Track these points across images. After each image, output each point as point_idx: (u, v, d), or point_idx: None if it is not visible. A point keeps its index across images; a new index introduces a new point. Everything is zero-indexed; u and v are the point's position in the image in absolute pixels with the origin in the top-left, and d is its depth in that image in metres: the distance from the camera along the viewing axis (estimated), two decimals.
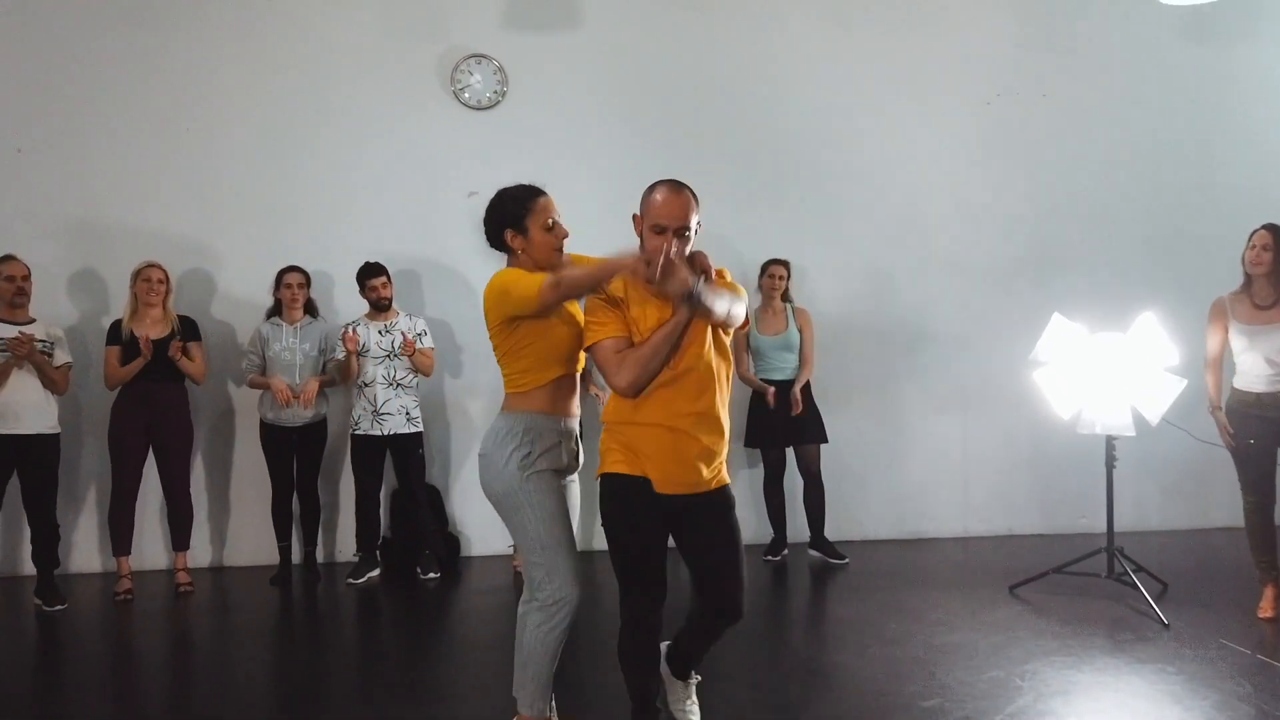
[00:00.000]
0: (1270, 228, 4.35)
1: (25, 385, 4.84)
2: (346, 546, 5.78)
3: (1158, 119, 6.33)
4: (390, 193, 5.86)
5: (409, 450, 5.45)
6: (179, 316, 5.26)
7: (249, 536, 5.74)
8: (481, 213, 2.92)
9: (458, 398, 5.95)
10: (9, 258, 4.94)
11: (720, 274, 2.79)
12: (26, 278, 4.95)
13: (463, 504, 5.92)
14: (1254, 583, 4.49)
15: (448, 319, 5.90)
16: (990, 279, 6.23)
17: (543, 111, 5.93)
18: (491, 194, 2.92)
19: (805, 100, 6.13)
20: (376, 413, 5.35)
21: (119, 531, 5.17)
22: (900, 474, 6.21)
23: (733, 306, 2.74)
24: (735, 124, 6.09)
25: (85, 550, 5.64)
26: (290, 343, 5.37)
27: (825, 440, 5.64)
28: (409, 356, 5.29)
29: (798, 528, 5.79)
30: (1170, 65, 6.33)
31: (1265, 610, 4.38)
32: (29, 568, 5.11)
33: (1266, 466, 4.36)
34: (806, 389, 5.59)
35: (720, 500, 2.85)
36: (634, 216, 2.81)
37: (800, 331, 5.64)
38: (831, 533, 5.70)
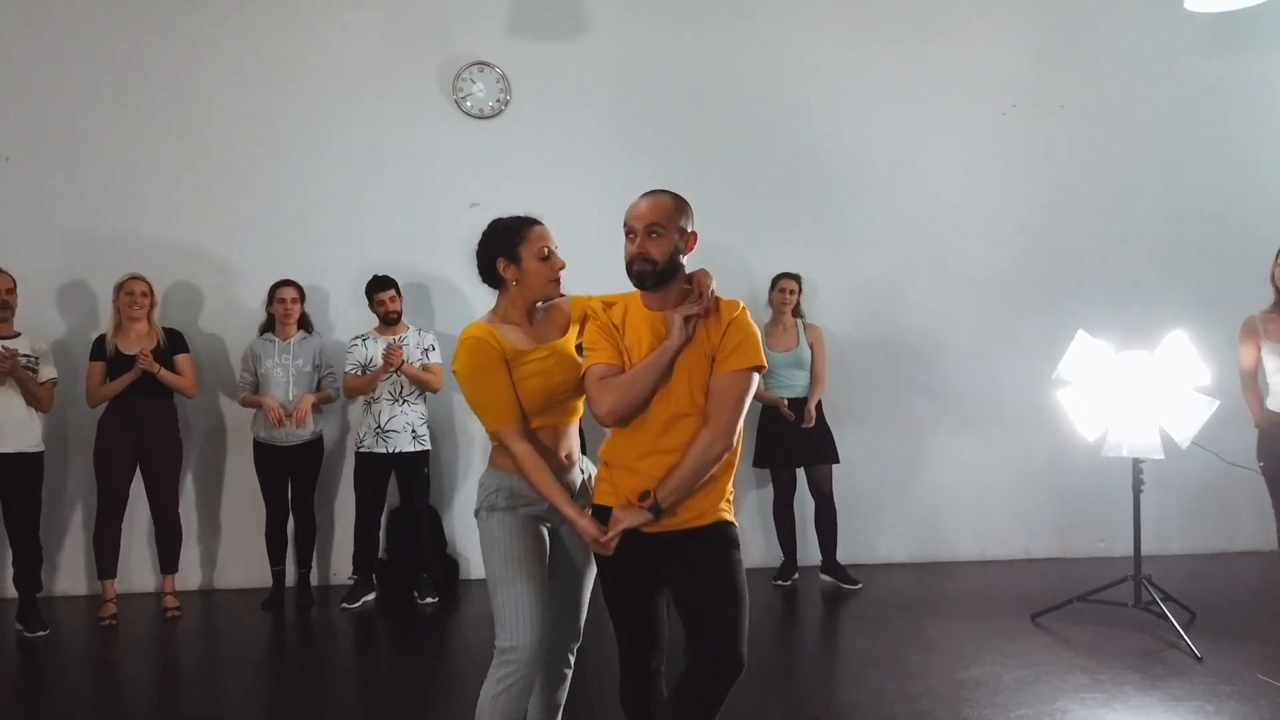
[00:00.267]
0: None
1: (8, 402, 4.69)
2: (342, 569, 5.59)
3: (1179, 130, 6.15)
4: (389, 204, 5.69)
5: (414, 469, 5.27)
6: (165, 329, 5.10)
7: (241, 558, 5.55)
8: (484, 225, 2.74)
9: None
10: None
11: (733, 305, 2.53)
12: (11, 290, 4.80)
13: (462, 525, 5.73)
14: None
15: (454, 333, 5.70)
16: (1007, 294, 6.05)
17: (546, 121, 5.77)
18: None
19: (816, 110, 5.97)
20: (381, 430, 5.18)
21: (104, 554, 5.00)
22: (914, 495, 6.02)
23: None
24: (744, 135, 5.92)
25: (71, 572, 5.46)
26: (283, 359, 5.19)
27: (837, 460, 5.45)
28: (397, 369, 5.09)
29: (808, 551, 5.60)
30: (1191, 75, 6.16)
31: None
32: (10, 591, 4.94)
33: None
34: (818, 407, 5.42)
35: (717, 537, 2.49)
36: None
37: (812, 348, 5.46)
38: (843, 556, 5.50)
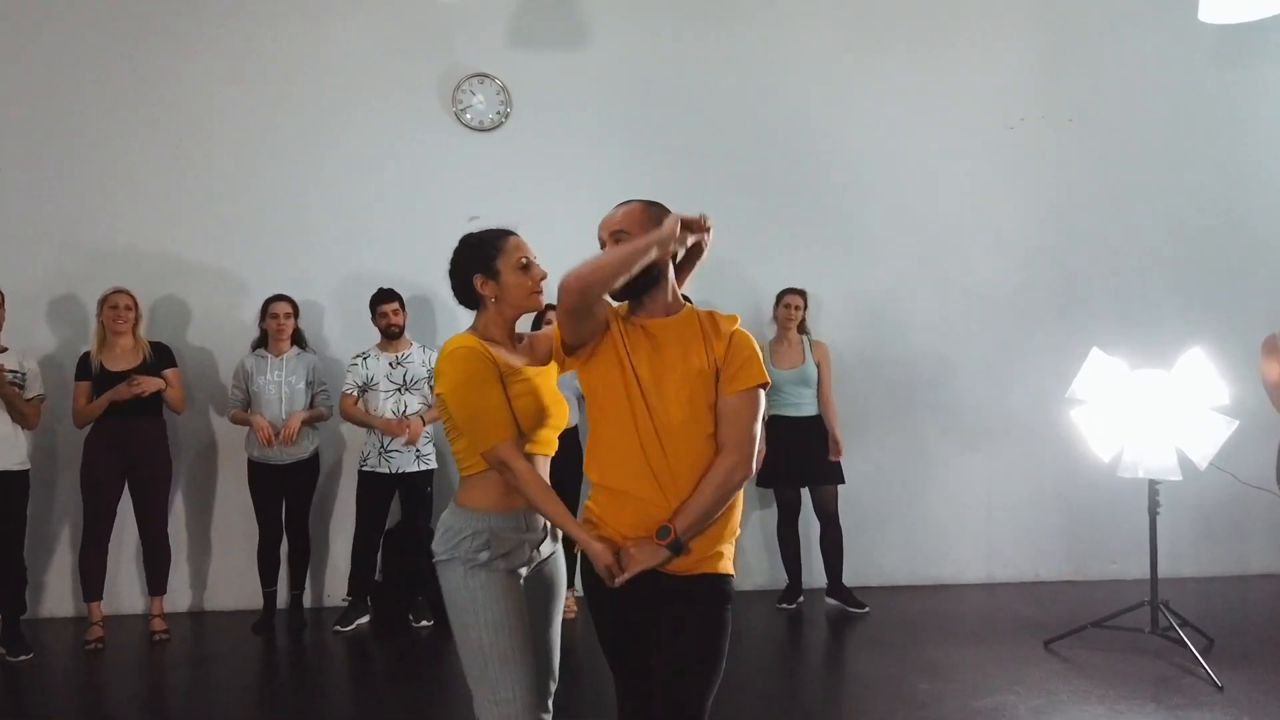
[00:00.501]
0: None
1: None
2: (335, 590, 5.45)
3: (1189, 143, 6.04)
4: (387, 218, 5.58)
5: (417, 489, 5.15)
6: (151, 343, 4.98)
7: (231, 579, 5.41)
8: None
9: None
10: None
11: (731, 319, 2.39)
12: None
13: None
14: None
15: None
16: (1015, 310, 5.93)
17: (547, 133, 5.66)
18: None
19: (822, 123, 5.86)
20: (384, 449, 5.06)
21: (90, 575, 4.86)
22: (921, 515, 5.88)
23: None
24: (747, 148, 5.82)
25: (57, 593, 5.32)
26: (275, 376, 5.07)
27: (842, 480, 5.33)
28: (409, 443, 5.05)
29: (813, 573, 5.46)
30: (1202, 87, 6.06)
31: None
32: None
33: None
34: (821, 424, 5.29)
35: (713, 595, 2.30)
36: None
37: (818, 367, 5.34)
38: (849, 578, 5.36)
